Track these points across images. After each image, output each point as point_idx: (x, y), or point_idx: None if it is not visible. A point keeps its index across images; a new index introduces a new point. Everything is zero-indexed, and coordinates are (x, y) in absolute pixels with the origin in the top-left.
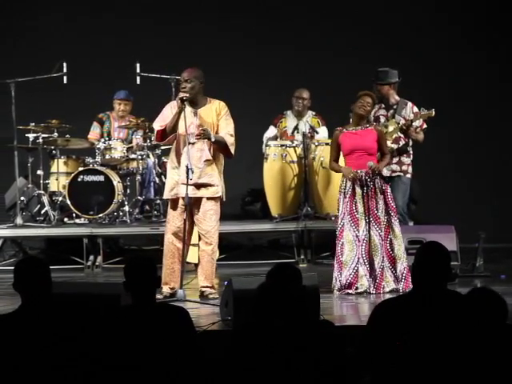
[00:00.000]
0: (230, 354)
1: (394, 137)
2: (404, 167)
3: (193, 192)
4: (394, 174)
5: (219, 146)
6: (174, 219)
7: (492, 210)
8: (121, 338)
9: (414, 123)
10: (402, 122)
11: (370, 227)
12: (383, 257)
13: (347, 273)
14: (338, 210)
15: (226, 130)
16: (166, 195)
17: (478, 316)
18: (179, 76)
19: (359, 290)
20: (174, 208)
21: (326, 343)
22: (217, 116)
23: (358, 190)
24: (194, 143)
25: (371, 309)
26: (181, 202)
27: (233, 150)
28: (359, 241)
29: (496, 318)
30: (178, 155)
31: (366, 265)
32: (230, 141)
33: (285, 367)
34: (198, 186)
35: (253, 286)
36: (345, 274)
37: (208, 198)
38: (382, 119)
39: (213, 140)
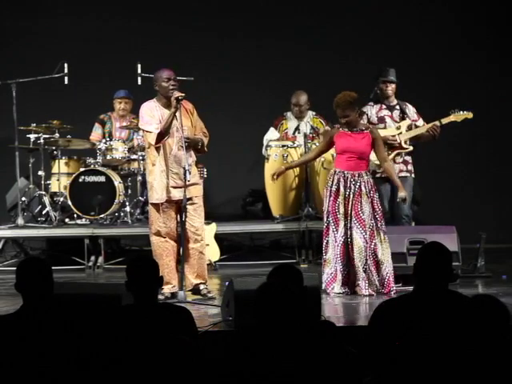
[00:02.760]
0: (230, 355)
1: (408, 138)
2: (409, 167)
3: (183, 194)
4: (401, 174)
5: (199, 148)
6: (165, 221)
7: (493, 211)
8: (123, 337)
9: (418, 123)
10: (408, 122)
11: (352, 229)
12: (367, 260)
13: (329, 271)
14: (324, 206)
15: (202, 131)
16: (159, 199)
17: (481, 323)
18: (180, 77)
19: (335, 291)
20: (164, 210)
21: (326, 344)
22: (191, 116)
23: (342, 191)
24: (181, 146)
25: (371, 309)
26: (170, 203)
27: (205, 148)
28: (336, 241)
29: (498, 325)
30: (166, 158)
31: (341, 265)
32: (206, 141)
33: (286, 368)
34: (188, 186)
35: (254, 287)
36: (326, 271)
37: (196, 196)
38: (388, 119)
39: (199, 146)
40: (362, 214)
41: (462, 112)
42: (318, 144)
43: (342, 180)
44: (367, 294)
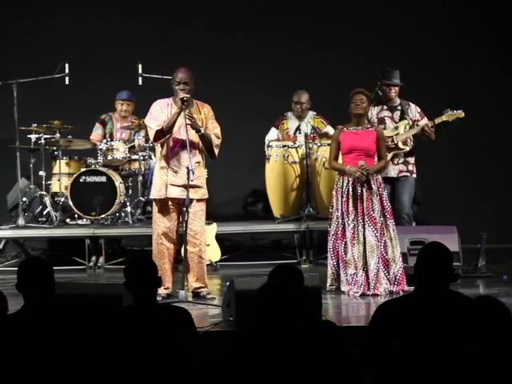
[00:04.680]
0: (231, 355)
1: (405, 138)
2: (410, 167)
3: (182, 193)
4: (401, 174)
5: (205, 144)
6: (164, 219)
7: (493, 211)
8: (123, 338)
9: (420, 122)
10: (406, 122)
11: (365, 228)
12: (378, 258)
13: (351, 272)
14: (332, 206)
15: (214, 132)
16: (154, 195)
17: (481, 323)
18: None
19: (355, 290)
20: (163, 208)
21: (327, 344)
22: (205, 118)
23: (352, 191)
24: (185, 145)
25: (372, 309)
26: (169, 202)
27: (217, 152)
28: (352, 241)
29: (499, 325)
30: (168, 156)
31: (356, 264)
32: (216, 142)
33: (286, 368)
34: (189, 188)
35: (255, 287)
36: (350, 272)
37: (197, 200)
38: (388, 121)
39: (202, 132)
40: (373, 213)
41: (453, 111)
42: (318, 144)
43: (351, 180)
44: (370, 293)
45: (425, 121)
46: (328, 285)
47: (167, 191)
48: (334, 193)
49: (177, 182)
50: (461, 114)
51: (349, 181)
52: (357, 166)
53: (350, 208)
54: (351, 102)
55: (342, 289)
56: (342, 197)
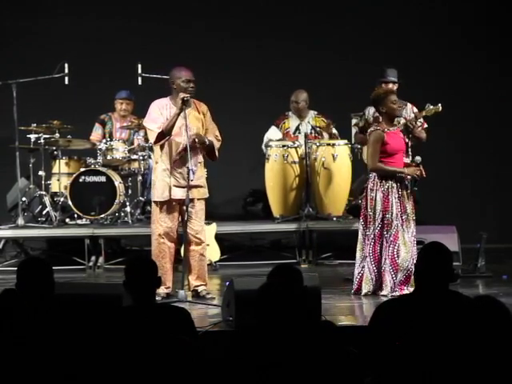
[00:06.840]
0: (230, 355)
1: None
2: None
3: (185, 194)
4: None
5: (208, 149)
6: (166, 220)
7: (493, 211)
8: (122, 338)
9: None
10: (403, 121)
11: (403, 227)
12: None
13: (402, 274)
14: (373, 208)
15: (214, 134)
16: (158, 198)
17: (481, 323)
18: None
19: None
20: (165, 209)
21: (327, 344)
22: (203, 117)
23: (395, 191)
24: (186, 146)
25: (372, 309)
26: (172, 202)
27: (217, 154)
28: (411, 242)
29: (499, 325)
30: (170, 157)
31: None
32: (217, 145)
33: (286, 368)
34: (190, 188)
35: (254, 287)
36: (399, 276)
37: (199, 199)
38: (381, 119)
39: (207, 144)
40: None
41: (431, 106)
42: (317, 144)
43: (397, 180)
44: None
45: (420, 121)
46: (366, 291)
47: (171, 193)
48: (378, 194)
49: (180, 184)
50: (438, 108)
51: (400, 182)
52: (413, 166)
53: (409, 209)
54: (389, 103)
55: (384, 292)
56: (399, 197)
